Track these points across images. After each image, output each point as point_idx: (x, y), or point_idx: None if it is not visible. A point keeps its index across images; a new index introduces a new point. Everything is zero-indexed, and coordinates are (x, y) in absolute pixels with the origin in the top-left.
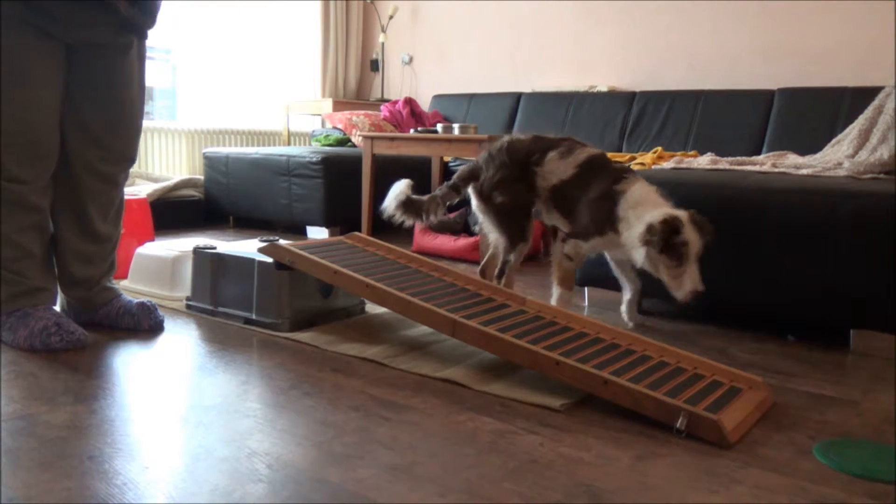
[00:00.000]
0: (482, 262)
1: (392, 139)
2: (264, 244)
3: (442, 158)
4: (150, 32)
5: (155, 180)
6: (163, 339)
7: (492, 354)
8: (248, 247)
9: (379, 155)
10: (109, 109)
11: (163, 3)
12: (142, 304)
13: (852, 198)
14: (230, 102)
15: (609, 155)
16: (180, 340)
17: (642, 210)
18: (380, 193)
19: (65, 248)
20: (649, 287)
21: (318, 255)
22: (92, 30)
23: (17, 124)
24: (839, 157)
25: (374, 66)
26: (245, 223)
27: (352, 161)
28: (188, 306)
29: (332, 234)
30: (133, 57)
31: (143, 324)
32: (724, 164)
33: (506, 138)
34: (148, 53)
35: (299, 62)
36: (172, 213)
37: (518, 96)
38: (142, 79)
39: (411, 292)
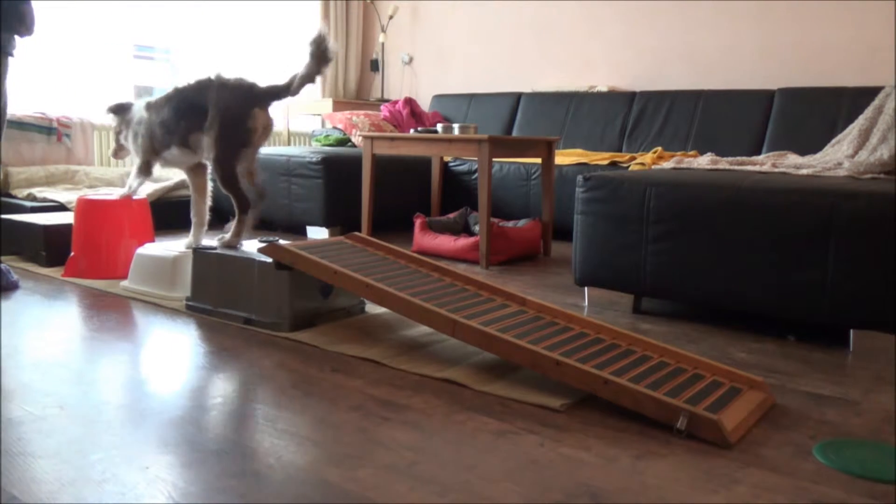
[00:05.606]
0: None
1: (392, 139)
2: (264, 244)
3: (442, 158)
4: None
5: (155, 180)
6: (163, 340)
7: (492, 354)
8: (248, 247)
9: (379, 155)
10: None
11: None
12: None
13: (852, 198)
14: None
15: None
16: (180, 340)
17: None
18: (380, 193)
19: None
20: (649, 287)
21: (318, 255)
22: None
23: None
24: (839, 157)
25: (374, 66)
26: None
27: (352, 161)
28: (188, 306)
29: (332, 234)
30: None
31: None
32: (724, 164)
33: None
34: (147, 53)
35: (299, 62)
36: (172, 213)
37: (518, 96)
38: (3, 94)
39: (411, 292)
